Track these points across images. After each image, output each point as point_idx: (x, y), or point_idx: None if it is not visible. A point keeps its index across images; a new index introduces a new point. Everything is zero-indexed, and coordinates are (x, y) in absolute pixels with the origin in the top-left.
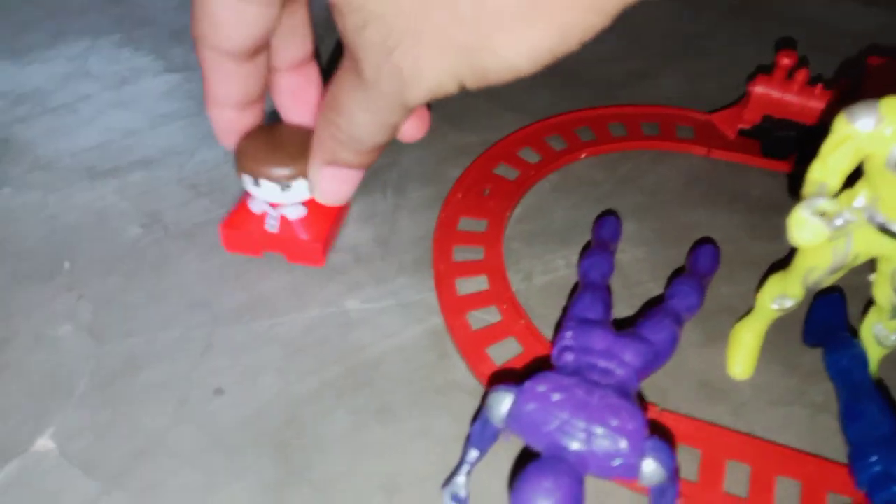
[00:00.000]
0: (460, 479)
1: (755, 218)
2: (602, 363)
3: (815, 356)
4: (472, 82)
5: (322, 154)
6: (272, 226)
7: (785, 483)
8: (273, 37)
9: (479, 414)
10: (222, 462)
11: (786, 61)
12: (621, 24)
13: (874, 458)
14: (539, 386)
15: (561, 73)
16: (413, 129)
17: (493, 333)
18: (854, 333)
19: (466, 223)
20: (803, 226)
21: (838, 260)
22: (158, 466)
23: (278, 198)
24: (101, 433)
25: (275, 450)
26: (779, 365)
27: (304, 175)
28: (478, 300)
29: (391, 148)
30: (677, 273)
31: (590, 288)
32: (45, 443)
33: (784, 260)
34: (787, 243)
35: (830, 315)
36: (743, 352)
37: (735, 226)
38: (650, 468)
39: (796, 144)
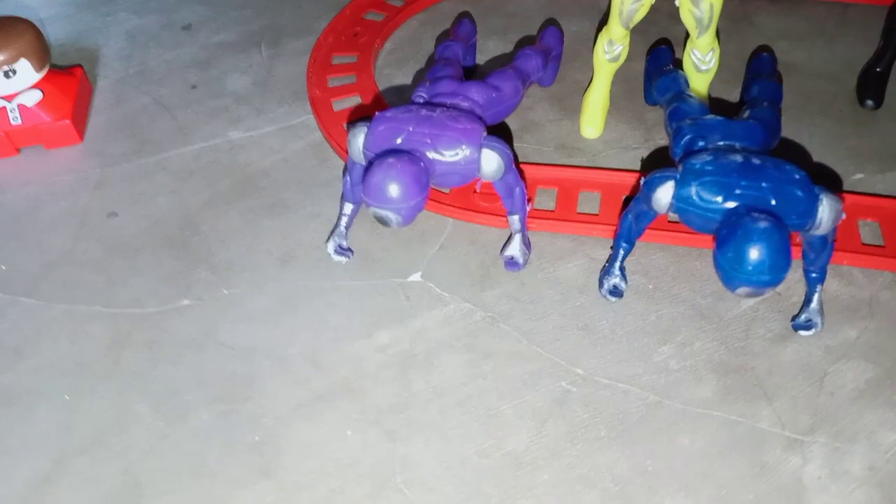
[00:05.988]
0: (341, 229)
1: (603, 22)
2: (449, 101)
3: (657, 113)
4: None
5: None
6: (15, 118)
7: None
8: None
9: (345, 168)
10: (122, 264)
11: None
12: None
13: (688, 134)
14: (387, 112)
15: None
16: None
17: None
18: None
19: (339, 59)
20: None
21: None
22: (65, 275)
23: (7, 88)
24: (10, 255)
25: (172, 248)
26: (626, 122)
27: (23, 55)
28: (353, 113)
29: (263, 9)
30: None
31: (441, 61)
32: None
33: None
34: None
35: (660, 62)
36: (592, 113)
37: (587, 30)
38: (487, 157)
39: None
